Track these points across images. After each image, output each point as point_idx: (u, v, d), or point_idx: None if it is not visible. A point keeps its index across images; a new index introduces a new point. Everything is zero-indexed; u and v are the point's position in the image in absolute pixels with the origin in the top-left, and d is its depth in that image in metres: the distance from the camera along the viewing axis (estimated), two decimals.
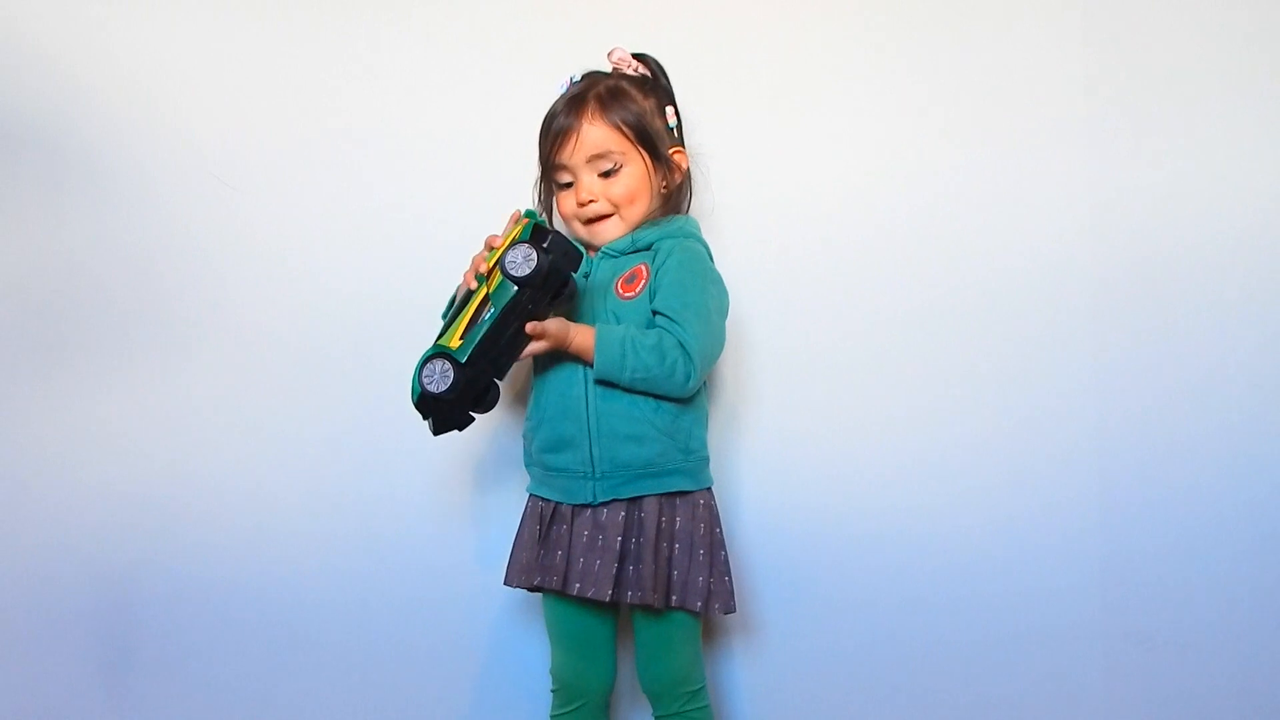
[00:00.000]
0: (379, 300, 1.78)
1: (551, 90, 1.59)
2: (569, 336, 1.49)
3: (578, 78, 1.60)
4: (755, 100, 1.77)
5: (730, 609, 1.54)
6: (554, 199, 1.61)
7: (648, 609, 1.54)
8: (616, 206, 1.58)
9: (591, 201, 1.57)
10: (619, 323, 1.53)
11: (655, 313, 1.53)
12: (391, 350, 1.68)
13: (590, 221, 1.58)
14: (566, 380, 1.53)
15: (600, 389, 1.52)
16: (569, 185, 1.58)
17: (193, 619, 1.78)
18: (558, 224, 1.63)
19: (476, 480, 1.78)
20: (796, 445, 1.75)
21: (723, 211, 1.72)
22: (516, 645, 1.78)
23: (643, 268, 1.56)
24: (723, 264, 1.60)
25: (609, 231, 1.59)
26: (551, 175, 1.59)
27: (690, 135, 1.65)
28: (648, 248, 1.58)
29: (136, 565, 1.78)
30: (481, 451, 1.79)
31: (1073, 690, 1.71)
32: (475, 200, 1.71)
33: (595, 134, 1.56)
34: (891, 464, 1.74)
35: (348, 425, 1.78)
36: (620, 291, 1.56)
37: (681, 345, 1.50)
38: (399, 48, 1.79)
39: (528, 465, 1.60)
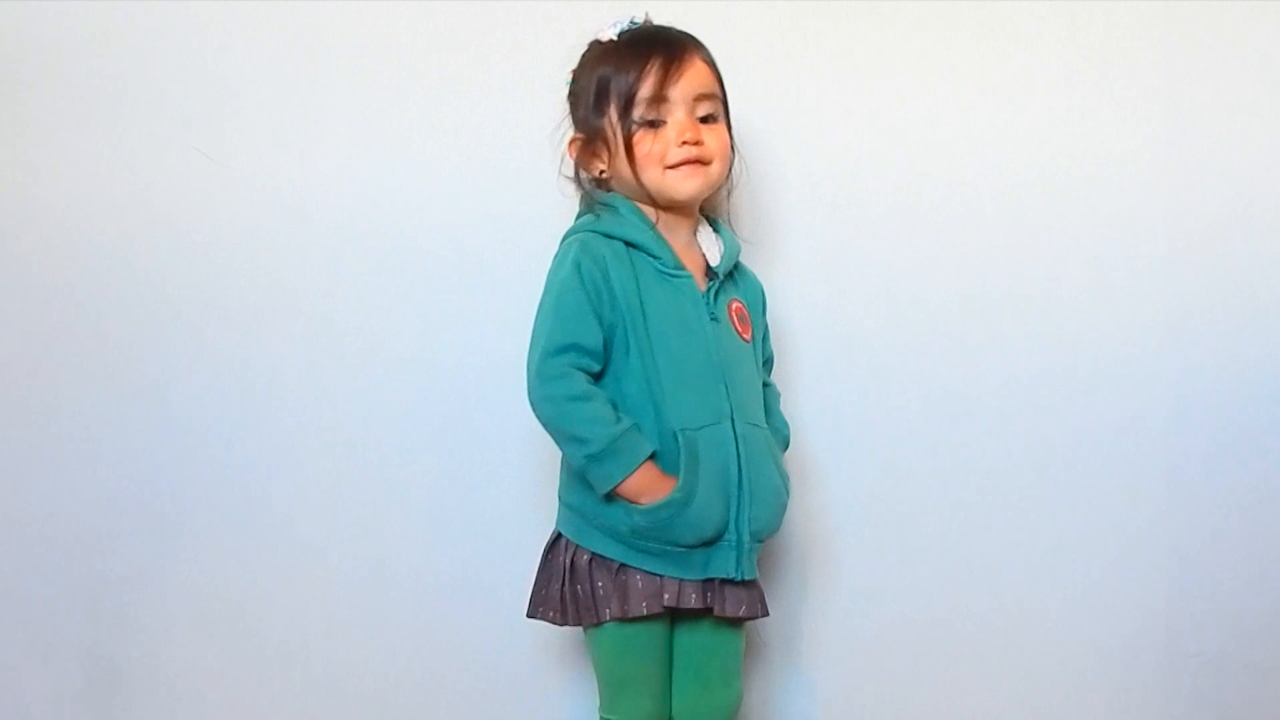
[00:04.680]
0: (379, 286, 1.67)
1: (556, 56, 1.43)
2: None
3: (631, 23, 1.41)
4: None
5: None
6: (627, 142, 1.37)
7: (728, 623, 1.40)
8: (710, 160, 1.39)
9: (698, 143, 1.37)
10: (741, 368, 1.39)
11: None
12: (395, 340, 1.63)
13: (683, 166, 1.37)
14: (719, 440, 1.35)
15: (749, 447, 1.36)
16: (655, 126, 1.37)
17: (186, 636, 1.67)
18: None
19: (493, 494, 1.68)
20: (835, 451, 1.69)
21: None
22: (525, 665, 1.69)
23: (744, 306, 1.45)
24: None
25: (695, 186, 1.38)
26: (641, 109, 1.36)
27: None
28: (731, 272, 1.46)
29: (124, 576, 1.67)
30: (495, 462, 1.68)
31: (1135, 710, 1.69)
32: (484, 175, 1.64)
33: (705, 72, 1.39)
34: (947, 474, 1.68)
35: (350, 424, 1.67)
36: (739, 329, 1.42)
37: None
38: (397, 9, 1.66)
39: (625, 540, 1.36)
